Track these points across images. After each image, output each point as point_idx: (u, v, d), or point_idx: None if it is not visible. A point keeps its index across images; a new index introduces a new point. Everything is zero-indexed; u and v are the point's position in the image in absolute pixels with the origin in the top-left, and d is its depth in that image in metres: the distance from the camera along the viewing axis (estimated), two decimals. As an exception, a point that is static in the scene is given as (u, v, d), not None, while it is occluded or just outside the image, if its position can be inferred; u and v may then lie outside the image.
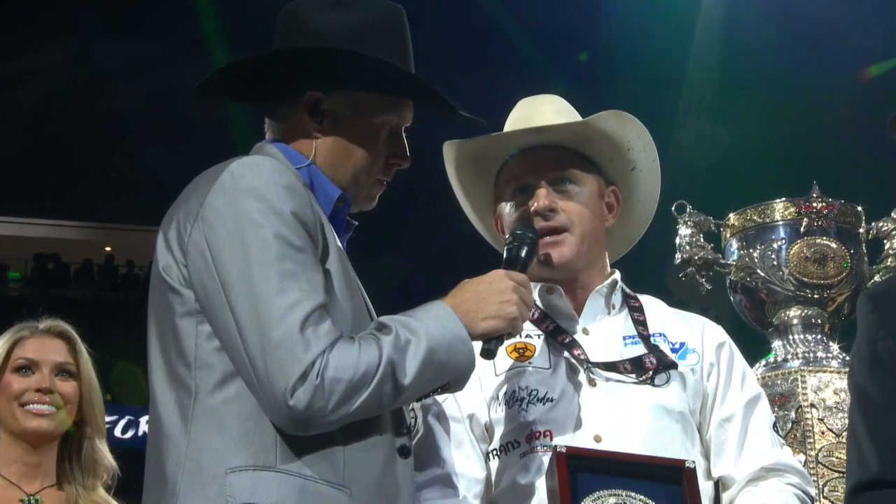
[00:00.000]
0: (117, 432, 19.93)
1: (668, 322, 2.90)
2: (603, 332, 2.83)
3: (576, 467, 2.44)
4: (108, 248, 29.54)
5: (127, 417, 20.73)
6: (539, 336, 2.81)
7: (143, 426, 21.08)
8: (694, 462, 2.54)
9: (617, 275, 2.92)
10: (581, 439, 2.64)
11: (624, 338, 2.82)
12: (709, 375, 2.83)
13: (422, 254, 21.48)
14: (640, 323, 2.85)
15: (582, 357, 2.75)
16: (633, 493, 2.45)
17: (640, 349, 2.79)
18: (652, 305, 2.94)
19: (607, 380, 2.73)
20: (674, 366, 2.77)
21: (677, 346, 2.84)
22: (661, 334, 2.85)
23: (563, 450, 2.46)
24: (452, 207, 3.13)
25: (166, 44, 25.46)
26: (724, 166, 21.04)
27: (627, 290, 2.94)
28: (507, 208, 2.89)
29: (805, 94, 21.18)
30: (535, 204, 2.80)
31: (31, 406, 3.33)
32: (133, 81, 25.88)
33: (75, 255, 28.40)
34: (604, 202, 2.92)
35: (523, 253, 2.60)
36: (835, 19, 19.83)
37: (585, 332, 2.82)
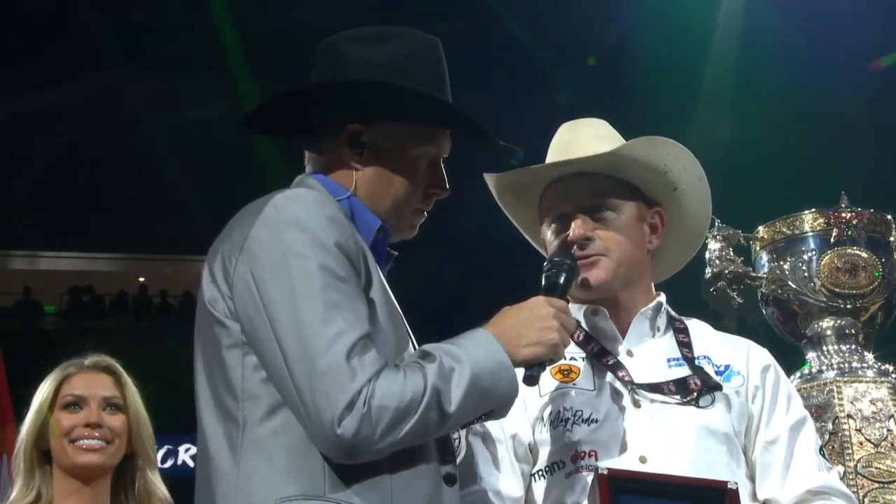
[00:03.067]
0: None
1: (713, 344, 2.91)
2: (647, 354, 2.84)
3: (617, 489, 2.45)
4: (141, 279, 29.70)
5: (166, 447, 20.81)
6: (583, 358, 2.83)
7: (182, 455, 21.16)
8: (736, 483, 2.54)
9: (662, 297, 2.94)
10: (626, 460, 2.66)
11: (668, 360, 2.84)
12: (754, 398, 2.84)
13: (441, 278, 21.46)
14: (685, 345, 2.86)
15: (626, 378, 2.77)
16: (675, 515, 2.48)
17: (684, 371, 2.80)
18: (697, 328, 2.95)
19: (652, 401, 2.75)
20: (718, 387, 2.78)
21: (722, 368, 2.85)
22: (705, 357, 2.86)
23: (605, 471, 2.47)
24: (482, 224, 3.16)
25: (192, 77, 25.62)
26: (744, 166, 20.95)
27: (672, 313, 2.95)
28: (548, 235, 2.93)
29: (827, 96, 21.05)
30: (572, 234, 2.83)
31: (81, 441, 3.38)
32: (160, 114, 26.04)
33: (109, 287, 28.56)
34: (646, 224, 2.93)
35: (562, 279, 2.61)
36: (860, 22, 19.70)
37: (630, 353, 2.84)
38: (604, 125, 3.01)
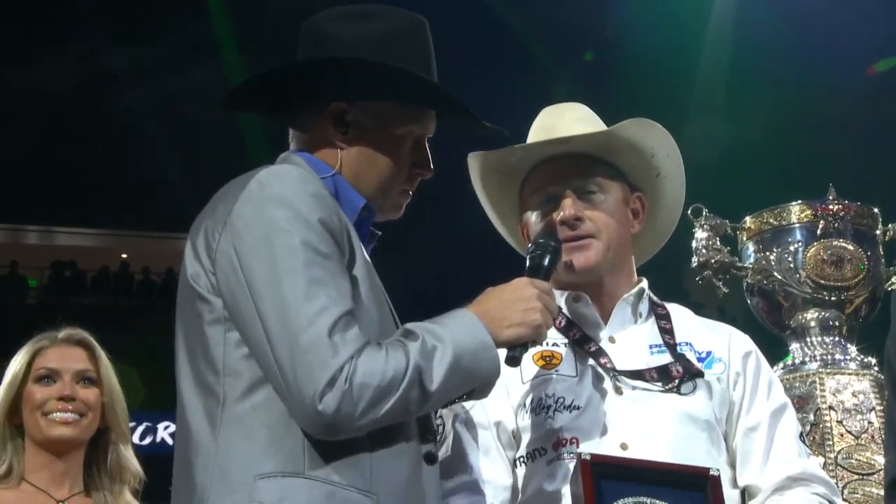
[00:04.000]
0: (135, 439, 20.03)
1: (695, 331, 2.90)
2: (629, 340, 2.83)
3: (600, 474, 2.45)
4: (123, 256, 29.64)
5: (145, 424, 20.82)
6: (565, 344, 2.82)
7: (161, 432, 21.17)
8: (718, 470, 2.54)
9: (644, 283, 2.93)
10: (607, 447, 2.64)
11: (650, 346, 2.82)
12: (735, 384, 2.83)
13: (430, 257, 21.50)
14: (667, 331, 2.85)
15: (608, 365, 2.76)
16: (657, 501, 2.45)
17: (666, 358, 2.79)
18: (679, 314, 2.94)
19: (633, 388, 2.74)
20: (700, 374, 2.77)
21: (704, 354, 2.84)
22: (687, 343, 2.85)
23: (588, 457, 2.47)
24: (465, 210, 3.15)
25: (177, 47, 25.52)
26: (737, 164, 21.04)
27: (654, 299, 2.95)
28: (532, 217, 2.90)
29: (819, 92, 21.14)
30: (562, 213, 2.81)
31: (54, 415, 3.36)
32: (145, 86, 25.93)
33: (92, 263, 28.48)
34: (629, 209, 2.93)
35: (546, 261, 2.59)
36: (848, 17, 19.76)
37: (612, 340, 2.83)
38: (586, 109, 2.99)
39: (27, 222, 29.94)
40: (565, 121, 2.91)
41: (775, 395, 2.87)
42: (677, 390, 2.74)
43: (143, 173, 26.62)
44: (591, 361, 2.78)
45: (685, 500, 2.48)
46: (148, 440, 20.98)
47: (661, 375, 2.75)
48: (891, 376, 2.38)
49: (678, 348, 2.82)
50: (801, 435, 2.86)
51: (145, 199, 27.07)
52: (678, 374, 2.75)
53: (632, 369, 2.76)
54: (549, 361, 2.79)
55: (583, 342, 2.81)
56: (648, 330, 2.87)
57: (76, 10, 25.31)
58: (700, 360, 2.82)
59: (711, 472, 2.52)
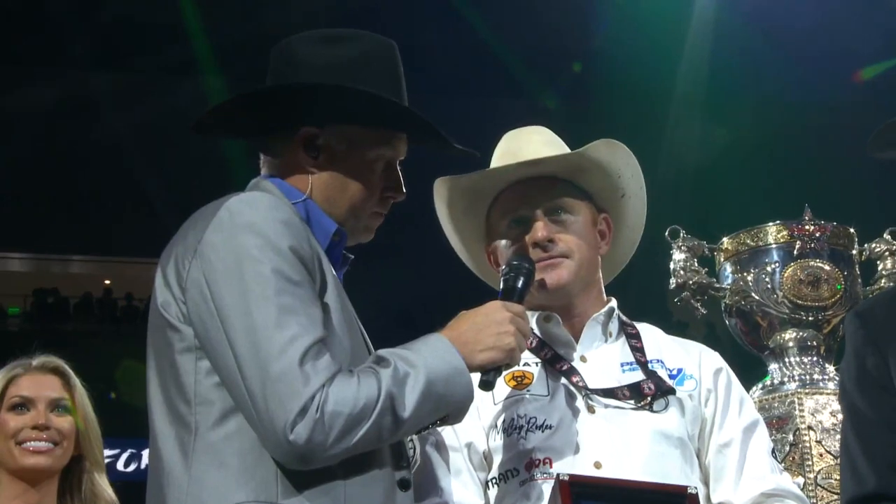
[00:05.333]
0: (119, 465, 19.90)
1: (666, 349, 2.91)
2: (601, 359, 2.84)
3: (579, 495, 2.44)
4: (106, 282, 29.50)
5: (129, 451, 20.67)
6: (537, 364, 2.82)
7: (145, 459, 21.00)
8: (696, 488, 2.55)
9: (613, 303, 2.94)
10: (581, 466, 2.64)
11: (622, 364, 2.83)
12: (706, 401, 2.84)
13: (417, 281, 21.48)
14: (638, 350, 2.86)
15: (580, 384, 2.76)
16: (636, 521, 2.47)
17: (637, 375, 2.80)
18: (649, 332, 2.96)
19: (606, 406, 2.75)
20: (672, 391, 2.78)
21: (675, 372, 2.85)
22: (658, 360, 2.86)
23: (567, 477, 2.46)
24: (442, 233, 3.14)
25: (157, 71, 25.50)
26: (716, 176, 21.11)
27: (624, 318, 2.96)
28: (502, 241, 2.91)
29: (796, 109, 21.26)
30: (535, 235, 2.82)
31: (28, 444, 3.34)
32: (126, 111, 25.87)
33: (74, 290, 28.34)
34: (596, 230, 2.94)
35: (520, 283, 2.61)
36: (828, 34, 19.89)
37: (583, 359, 2.84)
38: (548, 132, 3.01)
39: (8, 249, 29.79)
40: (532, 144, 2.93)
41: (746, 411, 2.88)
42: (649, 408, 2.76)
43: (126, 198, 26.54)
44: (563, 380, 2.78)
45: (664, 519, 2.49)
46: (132, 467, 20.82)
47: (633, 393, 2.76)
48: (845, 402, 2.39)
49: (649, 366, 2.84)
50: (772, 450, 2.88)
51: (129, 224, 26.95)
52: (650, 391, 2.77)
53: (604, 387, 2.77)
54: (520, 381, 2.79)
55: (554, 361, 2.81)
56: (619, 348, 2.88)
57: (57, 36, 25.27)
58: (671, 377, 2.84)
59: (690, 491, 2.52)
